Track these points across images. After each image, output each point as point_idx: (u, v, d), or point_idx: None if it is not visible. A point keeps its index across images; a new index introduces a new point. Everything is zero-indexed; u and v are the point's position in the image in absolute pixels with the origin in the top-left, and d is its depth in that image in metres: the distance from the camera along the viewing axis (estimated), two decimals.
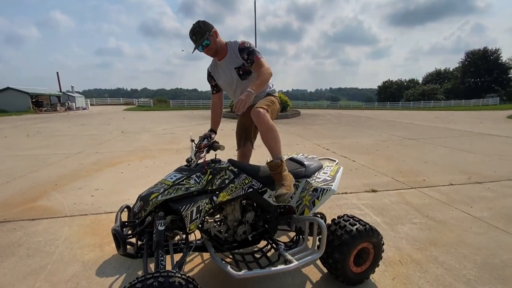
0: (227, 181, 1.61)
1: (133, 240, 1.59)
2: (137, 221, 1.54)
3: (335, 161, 2.21)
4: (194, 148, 1.56)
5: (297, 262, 1.53)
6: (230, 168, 1.66)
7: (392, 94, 55.50)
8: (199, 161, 1.68)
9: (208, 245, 1.66)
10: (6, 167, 4.67)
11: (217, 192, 1.57)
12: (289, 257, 1.57)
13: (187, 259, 2.00)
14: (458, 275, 1.87)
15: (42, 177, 4.07)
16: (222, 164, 1.66)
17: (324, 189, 1.75)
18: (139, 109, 26.33)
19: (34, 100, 23.85)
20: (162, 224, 1.40)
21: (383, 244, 1.76)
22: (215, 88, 2.11)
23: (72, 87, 29.77)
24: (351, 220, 1.70)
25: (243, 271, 1.46)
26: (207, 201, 1.53)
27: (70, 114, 20.57)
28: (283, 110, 16.28)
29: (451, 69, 57.43)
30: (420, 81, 58.65)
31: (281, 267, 1.50)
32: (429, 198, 3.25)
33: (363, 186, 3.64)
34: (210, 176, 1.57)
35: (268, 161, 1.68)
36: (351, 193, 3.40)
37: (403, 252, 2.14)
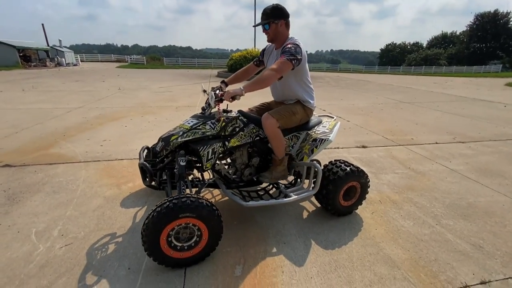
0: (237, 129, 1.83)
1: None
2: (157, 159, 1.79)
3: (333, 117, 2.40)
4: (211, 97, 1.70)
5: (296, 196, 1.85)
6: (240, 118, 1.87)
7: (394, 58, 53.84)
8: (213, 110, 1.87)
9: (220, 183, 1.95)
10: (12, 119, 4.77)
11: (229, 138, 1.80)
12: (289, 193, 1.90)
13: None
14: (427, 212, 2.21)
15: (49, 129, 4.22)
16: (233, 114, 1.86)
17: (322, 139, 2.01)
18: (132, 67, 25.33)
19: (21, 54, 22.68)
20: (184, 160, 1.67)
21: (369, 186, 2.07)
22: (259, 62, 2.15)
23: (59, 41, 28.07)
24: (345, 163, 2.01)
25: (251, 202, 1.77)
26: (220, 144, 1.76)
27: (61, 70, 19.81)
28: None
29: (457, 33, 55.06)
30: (424, 45, 56.54)
31: (282, 199, 1.82)
32: (413, 154, 3.54)
33: (354, 142, 3.90)
34: (224, 124, 1.78)
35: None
36: (342, 148, 3.67)
37: (383, 194, 2.47)
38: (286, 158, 1.97)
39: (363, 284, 1.48)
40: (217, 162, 1.97)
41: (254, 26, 1.95)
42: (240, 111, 1.92)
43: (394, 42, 58.57)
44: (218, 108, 1.70)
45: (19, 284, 1.43)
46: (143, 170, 1.74)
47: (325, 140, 2.00)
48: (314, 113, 2.14)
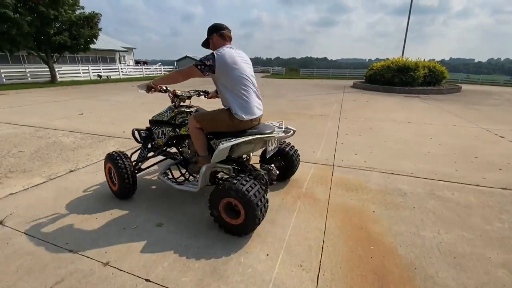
0: (186, 121, 2.28)
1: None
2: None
3: (290, 130, 2.37)
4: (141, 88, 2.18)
5: (180, 186, 2.19)
6: (191, 113, 2.27)
7: None
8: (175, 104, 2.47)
9: (173, 163, 2.50)
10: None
11: (180, 126, 2.31)
12: (182, 182, 2.34)
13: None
14: None
15: None
16: (187, 109, 2.34)
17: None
18: (273, 77, 28.34)
19: None
20: (144, 133, 2.62)
21: (261, 214, 1.82)
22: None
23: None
24: (245, 176, 1.90)
25: (163, 177, 2.34)
26: (170, 129, 2.37)
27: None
28: (435, 83, 13.21)
29: None
30: None
31: (175, 185, 2.22)
32: None
33: None
34: (174, 114, 2.36)
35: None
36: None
37: None
38: (208, 158, 2.10)
39: None
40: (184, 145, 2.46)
41: (202, 45, 2.21)
42: (197, 108, 2.37)
43: None
44: (176, 102, 2.40)
45: None
46: (133, 133, 2.67)
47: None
48: (275, 122, 2.47)
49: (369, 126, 5.27)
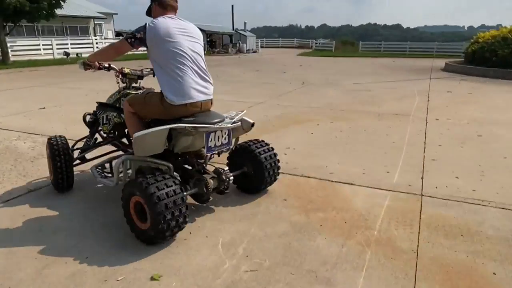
0: None
1: None
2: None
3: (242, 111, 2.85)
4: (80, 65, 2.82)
5: (101, 179, 2.84)
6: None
7: None
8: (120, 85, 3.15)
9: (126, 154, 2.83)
10: None
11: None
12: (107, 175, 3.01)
13: None
14: None
15: None
16: (134, 91, 2.90)
17: None
18: (316, 54, 28.59)
19: (208, 39, 31.32)
20: (91, 117, 3.20)
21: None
22: None
23: (244, 24, 36.47)
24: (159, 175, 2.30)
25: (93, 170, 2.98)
26: (115, 114, 2.88)
27: (241, 57, 25.51)
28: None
29: None
30: None
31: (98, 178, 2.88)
32: None
33: None
34: (120, 96, 2.92)
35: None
36: None
37: None
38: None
39: None
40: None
41: (146, 14, 2.72)
42: (147, 90, 2.81)
43: None
44: (120, 77, 3.07)
45: None
46: (84, 119, 3.33)
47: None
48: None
49: (476, 132, 5.15)
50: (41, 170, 3.65)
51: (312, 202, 2.96)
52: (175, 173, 2.60)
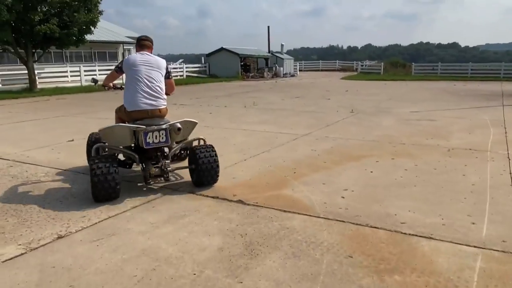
0: None
1: None
2: None
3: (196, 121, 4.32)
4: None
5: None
6: None
7: None
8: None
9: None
10: (239, 142, 6.66)
11: None
12: None
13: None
14: None
15: (277, 160, 5.40)
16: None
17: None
18: (363, 78, 28.46)
19: (242, 63, 32.06)
20: None
21: None
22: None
23: (281, 46, 37.03)
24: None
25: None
26: None
27: (278, 82, 25.81)
28: None
29: None
30: None
31: None
32: None
33: None
34: None
35: None
36: None
37: None
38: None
39: None
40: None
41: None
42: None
43: None
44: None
45: None
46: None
47: None
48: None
49: None
50: (72, 214, 3.64)
51: (384, 260, 2.71)
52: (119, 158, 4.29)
